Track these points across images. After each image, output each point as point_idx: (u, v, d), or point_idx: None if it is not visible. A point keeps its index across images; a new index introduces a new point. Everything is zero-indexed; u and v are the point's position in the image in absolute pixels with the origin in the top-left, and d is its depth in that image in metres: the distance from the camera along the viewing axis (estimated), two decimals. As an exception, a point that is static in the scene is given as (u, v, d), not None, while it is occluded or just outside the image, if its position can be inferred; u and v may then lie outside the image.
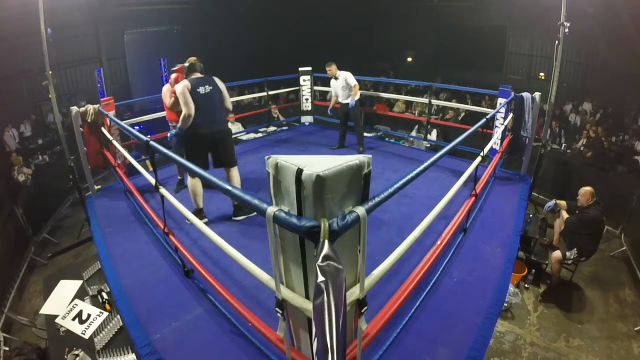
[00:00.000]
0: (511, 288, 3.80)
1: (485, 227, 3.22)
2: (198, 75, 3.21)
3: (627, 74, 7.15)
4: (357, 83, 4.88)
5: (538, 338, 3.61)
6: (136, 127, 4.23)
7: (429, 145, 6.56)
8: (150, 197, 3.55)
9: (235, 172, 3.42)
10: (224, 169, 3.40)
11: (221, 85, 3.25)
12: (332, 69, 4.92)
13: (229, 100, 3.35)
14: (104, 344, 2.40)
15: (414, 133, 7.51)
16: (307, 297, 1.31)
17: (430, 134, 6.84)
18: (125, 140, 4.58)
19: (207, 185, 2.64)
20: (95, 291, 2.88)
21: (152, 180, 2.55)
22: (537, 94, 3.94)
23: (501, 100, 4.30)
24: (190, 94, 3.04)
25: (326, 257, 0.99)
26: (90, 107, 3.91)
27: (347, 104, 4.93)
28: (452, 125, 6.82)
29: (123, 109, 7.25)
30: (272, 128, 6.88)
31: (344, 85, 4.90)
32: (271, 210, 1.20)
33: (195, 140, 3.16)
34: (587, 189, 4.00)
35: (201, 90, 3.10)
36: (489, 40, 10.00)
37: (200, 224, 2.10)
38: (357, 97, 4.90)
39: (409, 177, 1.62)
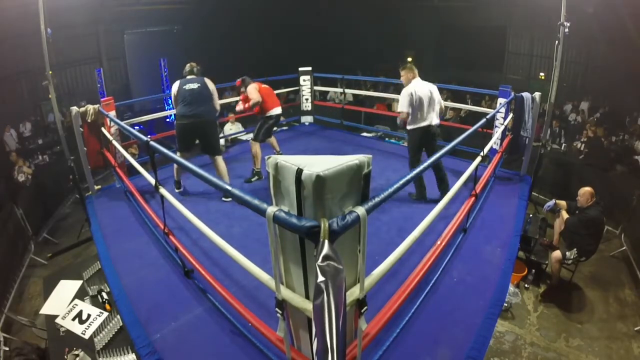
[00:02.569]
0: (511, 288, 3.80)
1: (485, 227, 3.22)
2: (191, 76, 3.70)
3: (627, 74, 7.14)
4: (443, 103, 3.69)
5: (538, 338, 3.61)
6: (136, 127, 4.26)
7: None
8: (150, 197, 3.56)
9: (219, 160, 3.83)
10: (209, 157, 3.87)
11: (210, 85, 3.72)
12: (405, 74, 3.62)
13: (217, 101, 3.80)
14: (104, 344, 2.39)
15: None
16: (307, 297, 1.31)
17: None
18: (125, 140, 4.58)
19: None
20: (95, 291, 2.88)
21: (152, 181, 2.55)
22: (537, 94, 3.94)
23: (501, 100, 4.30)
24: (177, 91, 3.64)
25: (326, 257, 0.99)
26: (90, 107, 3.91)
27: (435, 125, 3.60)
28: (452, 125, 6.82)
29: (123, 109, 7.26)
30: (272, 128, 6.88)
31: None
32: (271, 210, 1.20)
33: (180, 129, 3.70)
34: (586, 189, 4.00)
35: (187, 86, 3.62)
36: (489, 40, 9.98)
37: (200, 224, 2.10)
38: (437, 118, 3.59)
39: (409, 177, 1.62)
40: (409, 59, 11.85)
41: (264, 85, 4.39)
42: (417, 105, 3.52)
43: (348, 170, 1.18)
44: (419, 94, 3.49)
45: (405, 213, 3.45)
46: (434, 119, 3.58)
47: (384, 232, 3.13)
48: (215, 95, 3.76)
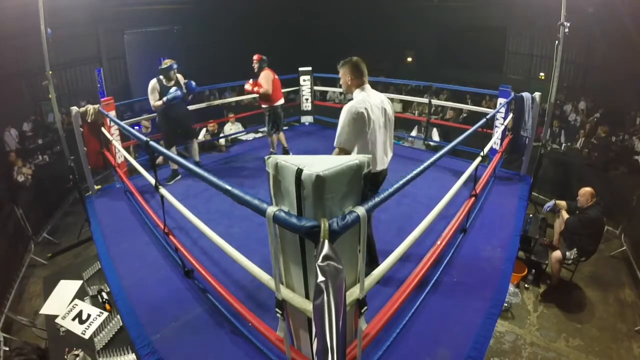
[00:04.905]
0: (511, 288, 3.80)
1: (485, 227, 3.22)
2: None
3: (627, 74, 7.14)
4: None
5: (538, 338, 3.61)
6: (136, 127, 4.27)
7: (430, 144, 6.56)
8: (150, 197, 3.55)
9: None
10: None
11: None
12: (346, 74, 2.32)
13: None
14: (104, 344, 2.40)
15: (414, 133, 7.50)
16: (307, 297, 1.31)
17: (431, 135, 6.84)
18: (126, 141, 4.58)
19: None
20: (95, 291, 2.88)
21: (152, 180, 2.55)
22: (537, 94, 3.94)
23: (501, 100, 4.30)
24: None
25: (326, 257, 0.99)
26: (90, 107, 3.91)
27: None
28: (453, 125, 6.82)
29: (123, 109, 7.26)
30: (272, 128, 6.88)
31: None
32: (271, 210, 1.20)
33: None
34: (587, 189, 4.00)
35: None
36: (489, 40, 9.98)
37: (200, 224, 2.10)
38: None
39: (409, 177, 1.62)
40: (409, 59, 11.85)
41: (276, 77, 4.52)
42: (372, 135, 2.13)
43: (348, 170, 1.18)
44: (374, 115, 2.13)
45: (405, 212, 3.45)
46: (388, 155, 2.31)
47: (384, 231, 3.12)
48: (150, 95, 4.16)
